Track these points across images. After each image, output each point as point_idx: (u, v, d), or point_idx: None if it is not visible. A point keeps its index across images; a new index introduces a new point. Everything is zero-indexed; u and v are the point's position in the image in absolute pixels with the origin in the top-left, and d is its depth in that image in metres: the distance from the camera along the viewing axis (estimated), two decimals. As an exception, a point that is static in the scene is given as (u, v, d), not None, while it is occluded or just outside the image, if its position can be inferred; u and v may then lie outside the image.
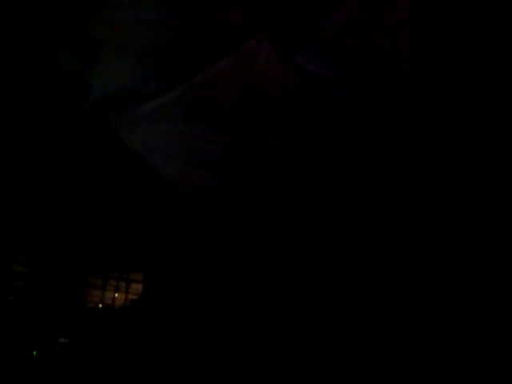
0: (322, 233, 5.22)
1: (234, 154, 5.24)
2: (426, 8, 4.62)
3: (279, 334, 4.91)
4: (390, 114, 5.15)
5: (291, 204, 5.25)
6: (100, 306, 5.15)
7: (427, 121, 5.12)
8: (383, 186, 5.21)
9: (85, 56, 4.71)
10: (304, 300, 5.00)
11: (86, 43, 4.67)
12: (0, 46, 4.60)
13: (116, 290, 5.17)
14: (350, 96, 5.10)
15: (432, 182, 5.15)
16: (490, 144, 4.99)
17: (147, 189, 5.11)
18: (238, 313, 5.05)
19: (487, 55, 4.67)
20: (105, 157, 4.99)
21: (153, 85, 4.98)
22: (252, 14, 4.67)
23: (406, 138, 5.20)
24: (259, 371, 4.74)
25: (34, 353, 4.82)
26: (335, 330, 4.84)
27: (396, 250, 4.98)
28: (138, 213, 5.13)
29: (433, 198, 5.08)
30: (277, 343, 4.87)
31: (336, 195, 5.24)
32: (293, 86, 5.07)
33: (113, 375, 4.80)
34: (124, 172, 5.05)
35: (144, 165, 5.08)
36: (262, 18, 4.71)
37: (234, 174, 5.27)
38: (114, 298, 5.17)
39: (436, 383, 4.56)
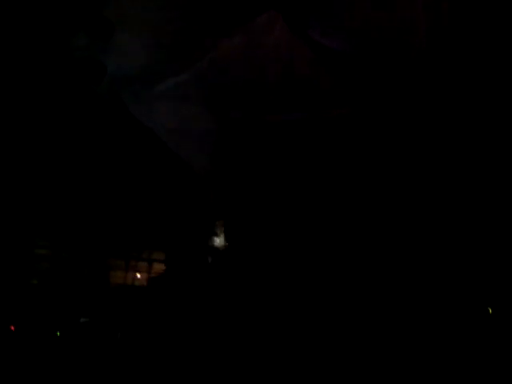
0: (327, 222, 5.18)
1: (247, 131, 5.23)
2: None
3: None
4: (405, 88, 5.12)
5: (303, 184, 5.22)
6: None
7: (442, 94, 5.09)
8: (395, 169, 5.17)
9: (99, 36, 4.72)
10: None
11: (100, 23, 4.68)
12: (15, 27, 4.61)
13: (138, 271, 5.17)
14: (364, 70, 5.09)
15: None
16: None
17: (165, 168, 5.11)
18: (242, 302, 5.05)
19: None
20: (122, 137, 4.99)
21: (167, 64, 4.98)
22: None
23: (421, 112, 5.17)
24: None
25: (58, 333, 4.84)
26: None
27: (398, 246, 4.97)
28: (157, 193, 5.13)
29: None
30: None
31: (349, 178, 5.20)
32: (307, 61, 5.07)
33: (133, 357, 4.82)
34: (141, 152, 5.05)
35: (161, 144, 5.08)
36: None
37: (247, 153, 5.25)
38: (136, 278, 5.18)
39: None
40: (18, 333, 4.72)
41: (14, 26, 4.66)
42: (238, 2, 4.76)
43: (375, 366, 4.63)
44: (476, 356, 4.56)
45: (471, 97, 5.06)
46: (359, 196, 5.11)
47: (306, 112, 5.20)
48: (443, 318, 4.74)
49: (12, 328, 4.68)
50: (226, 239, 5.19)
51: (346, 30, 4.94)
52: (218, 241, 5.20)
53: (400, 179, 5.06)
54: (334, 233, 5.07)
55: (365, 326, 4.79)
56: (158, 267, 5.19)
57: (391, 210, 5.01)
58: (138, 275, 5.14)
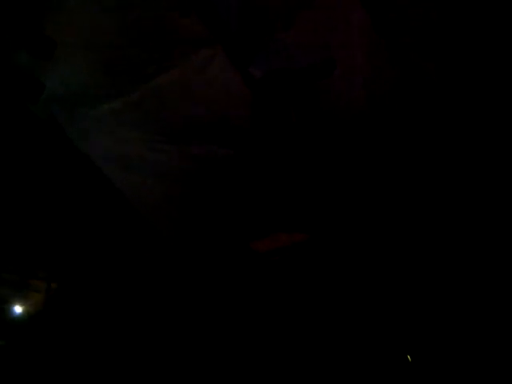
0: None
1: (182, 163, 5.26)
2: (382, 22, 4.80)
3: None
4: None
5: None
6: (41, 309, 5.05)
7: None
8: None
9: (39, 54, 4.71)
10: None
11: (41, 42, 4.68)
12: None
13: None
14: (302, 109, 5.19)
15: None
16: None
17: (97, 193, 5.08)
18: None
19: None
20: (56, 160, 4.95)
21: (104, 88, 4.99)
22: (209, 23, 4.78)
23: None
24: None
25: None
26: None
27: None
28: (83, 215, 5.08)
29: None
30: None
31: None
32: (243, 98, 5.15)
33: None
34: (73, 175, 5.01)
35: (95, 170, 5.06)
36: (218, 28, 4.82)
37: (184, 183, 5.27)
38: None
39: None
40: None
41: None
42: (182, 32, 4.82)
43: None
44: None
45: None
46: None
47: (232, 148, 5.27)
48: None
49: None
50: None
51: (288, 71, 5.06)
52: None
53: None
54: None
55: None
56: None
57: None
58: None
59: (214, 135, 5.23)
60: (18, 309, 4.92)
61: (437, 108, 4.97)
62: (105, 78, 4.85)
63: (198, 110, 5.20)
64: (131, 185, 5.16)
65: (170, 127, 5.19)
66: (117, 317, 4.96)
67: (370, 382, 4.71)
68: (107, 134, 5.06)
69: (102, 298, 5.02)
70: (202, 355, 4.82)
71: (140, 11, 4.52)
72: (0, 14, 4.64)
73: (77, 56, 4.75)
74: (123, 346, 4.86)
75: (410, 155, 5.15)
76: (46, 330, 4.93)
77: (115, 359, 4.79)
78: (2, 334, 4.82)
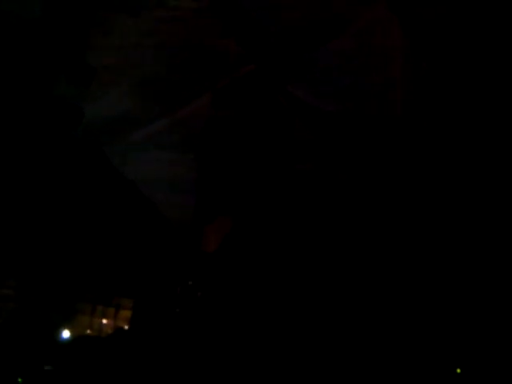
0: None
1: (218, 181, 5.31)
2: (418, 41, 4.87)
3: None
4: (382, 142, 5.26)
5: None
6: (88, 332, 5.07)
7: (419, 150, 5.22)
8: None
9: (79, 81, 4.83)
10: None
11: (81, 69, 4.80)
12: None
13: (104, 316, 5.09)
14: (341, 126, 5.25)
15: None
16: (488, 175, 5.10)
17: (138, 215, 5.14)
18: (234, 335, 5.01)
19: (479, 86, 4.87)
20: (96, 182, 5.03)
21: (145, 112, 5.10)
22: (247, 44, 4.88)
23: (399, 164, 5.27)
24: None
25: (20, 380, 4.70)
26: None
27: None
28: (129, 239, 5.13)
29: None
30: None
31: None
32: (284, 117, 5.22)
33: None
34: (116, 198, 5.08)
35: (135, 191, 5.13)
36: (256, 48, 4.92)
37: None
38: (102, 324, 5.09)
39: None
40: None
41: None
42: (220, 56, 4.92)
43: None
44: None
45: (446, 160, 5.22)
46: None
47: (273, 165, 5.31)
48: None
49: None
50: (198, 288, 5.18)
51: (324, 86, 5.12)
52: (187, 291, 5.18)
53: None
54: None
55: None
56: (125, 314, 5.12)
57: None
58: (105, 321, 5.07)
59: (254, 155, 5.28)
60: (65, 333, 4.95)
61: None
62: (144, 103, 4.97)
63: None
64: (174, 205, 5.22)
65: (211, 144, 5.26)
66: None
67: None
68: (147, 156, 5.14)
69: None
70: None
71: (180, 37, 4.65)
72: (42, 43, 4.76)
73: (119, 81, 4.87)
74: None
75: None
76: (93, 352, 4.95)
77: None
78: (51, 359, 4.85)
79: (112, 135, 5.07)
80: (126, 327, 5.14)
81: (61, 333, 4.99)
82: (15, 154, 4.96)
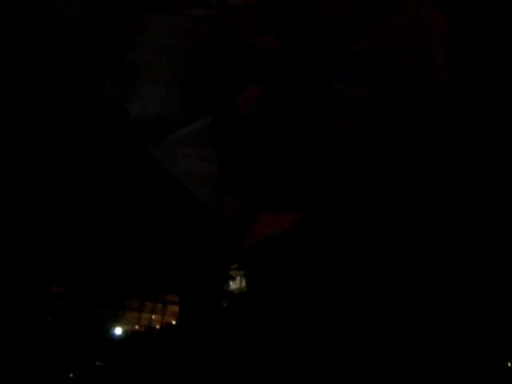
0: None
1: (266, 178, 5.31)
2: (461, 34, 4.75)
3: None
4: (426, 135, 5.15)
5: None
6: (136, 327, 5.18)
7: (463, 140, 5.11)
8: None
9: (121, 81, 4.90)
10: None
11: (123, 68, 4.86)
12: (39, 71, 4.81)
13: (152, 312, 5.19)
14: (385, 118, 5.16)
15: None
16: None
17: (183, 211, 5.19)
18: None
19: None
20: (142, 180, 5.11)
21: (187, 111, 5.14)
22: (287, 40, 4.83)
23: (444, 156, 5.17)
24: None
25: (71, 375, 4.84)
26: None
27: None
28: (175, 235, 5.20)
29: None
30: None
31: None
32: (328, 110, 5.16)
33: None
34: (161, 195, 5.15)
35: (181, 189, 5.18)
36: (296, 42, 4.87)
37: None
38: (151, 319, 5.19)
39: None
40: (32, 371, 4.73)
41: (44, 70, 4.85)
42: (258, 52, 4.90)
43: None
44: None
45: (490, 153, 5.10)
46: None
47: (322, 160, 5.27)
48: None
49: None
50: (243, 283, 5.21)
51: (368, 79, 5.04)
52: (234, 285, 5.22)
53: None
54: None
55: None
56: (173, 309, 5.21)
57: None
58: (152, 316, 5.17)
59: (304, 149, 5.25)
60: (117, 330, 5.07)
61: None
62: (183, 102, 5.00)
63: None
64: (218, 201, 5.26)
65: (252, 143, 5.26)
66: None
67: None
68: (192, 153, 5.18)
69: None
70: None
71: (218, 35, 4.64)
72: (85, 45, 4.83)
73: (161, 80, 4.92)
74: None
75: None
76: (143, 348, 5.06)
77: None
78: (103, 355, 4.97)
79: (155, 133, 5.13)
80: (174, 322, 5.23)
81: (112, 329, 5.11)
82: (63, 154, 5.08)
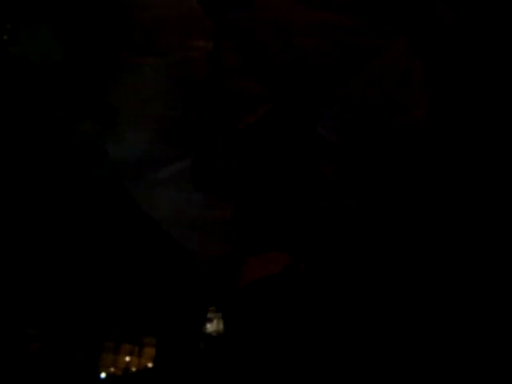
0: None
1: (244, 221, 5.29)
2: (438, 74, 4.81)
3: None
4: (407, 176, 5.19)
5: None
6: (112, 370, 5.12)
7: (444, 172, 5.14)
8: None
9: (101, 121, 4.89)
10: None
11: (103, 109, 4.85)
12: (18, 111, 4.78)
13: (129, 355, 5.15)
14: (366, 163, 5.20)
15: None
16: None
17: (162, 253, 5.17)
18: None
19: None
20: (120, 221, 5.08)
21: (167, 151, 5.13)
22: (268, 84, 4.84)
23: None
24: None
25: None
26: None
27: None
28: (152, 278, 5.17)
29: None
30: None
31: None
32: (310, 156, 5.18)
33: None
34: (139, 236, 5.12)
35: (159, 230, 5.16)
36: (277, 87, 4.88)
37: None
38: (127, 362, 5.15)
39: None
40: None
41: (23, 110, 4.83)
42: (240, 97, 4.91)
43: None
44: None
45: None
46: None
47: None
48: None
49: None
50: (220, 325, 5.18)
51: (348, 123, 5.08)
52: (211, 327, 5.19)
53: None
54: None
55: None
56: (150, 351, 5.17)
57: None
58: (128, 359, 5.12)
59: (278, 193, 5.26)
60: (94, 373, 5.02)
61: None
62: (164, 144, 4.99)
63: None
64: (196, 242, 5.24)
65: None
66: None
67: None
68: (171, 196, 5.17)
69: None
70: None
71: (200, 78, 4.64)
72: (64, 85, 4.82)
73: (141, 122, 4.90)
74: None
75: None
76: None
77: None
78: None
79: (135, 174, 5.11)
80: (151, 365, 5.19)
81: (96, 373, 5.06)
82: (41, 194, 5.04)
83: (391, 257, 5.21)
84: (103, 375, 5.06)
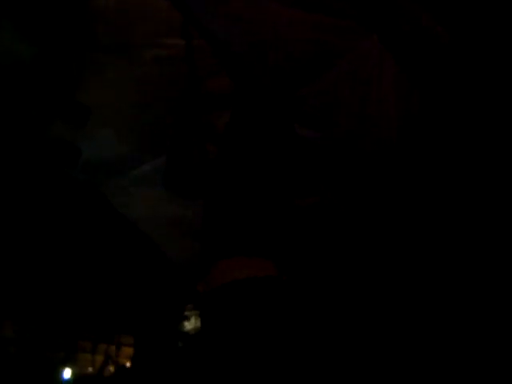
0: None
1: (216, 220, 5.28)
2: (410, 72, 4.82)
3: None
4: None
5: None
6: (89, 369, 5.11)
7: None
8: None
9: (74, 121, 4.85)
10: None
11: (76, 109, 4.81)
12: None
13: (106, 354, 5.13)
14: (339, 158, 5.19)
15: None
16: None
17: (138, 252, 5.15)
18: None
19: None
20: (95, 221, 5.06)
21: (141, 151, 5.10)
22: (240, 83, 4.83)
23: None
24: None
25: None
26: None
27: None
28: (129, 277, 5.16)
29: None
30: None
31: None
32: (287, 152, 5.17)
33: None
34: (115, 236, 5.10)
35: (134, 229, 5.15)
36: (248, 87, 4.87)
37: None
38: (104, 361, 5.13)
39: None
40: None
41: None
42: (210, 94, 4.88)
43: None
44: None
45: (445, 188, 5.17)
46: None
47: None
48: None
49: None
50: (198, 323, 5.18)
51: (318, 119, 5.07)
52: (189, 325, 5.19)
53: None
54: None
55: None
56: (127, 351, 5.16)
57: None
58: (105, 358, 5.11)
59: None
60: (67, 372, 5.00)
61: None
62: (136, 143, 4.96)
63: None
64: (171, 241, 5.23)
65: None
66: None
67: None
68: (144, 195, 5.15)
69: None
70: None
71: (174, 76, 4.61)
72: (37, 83, 4.78)
73: (110, 122, 4.87)
74: None
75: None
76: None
77: None
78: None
79: (109, 174, 5.09)
80: (128, 364, 5.18)
81: (62, 372, 5.04)
82: (13, 195, 5.00)
83: (376, 257, 5.21)
84: (80, 375, 5.04)
